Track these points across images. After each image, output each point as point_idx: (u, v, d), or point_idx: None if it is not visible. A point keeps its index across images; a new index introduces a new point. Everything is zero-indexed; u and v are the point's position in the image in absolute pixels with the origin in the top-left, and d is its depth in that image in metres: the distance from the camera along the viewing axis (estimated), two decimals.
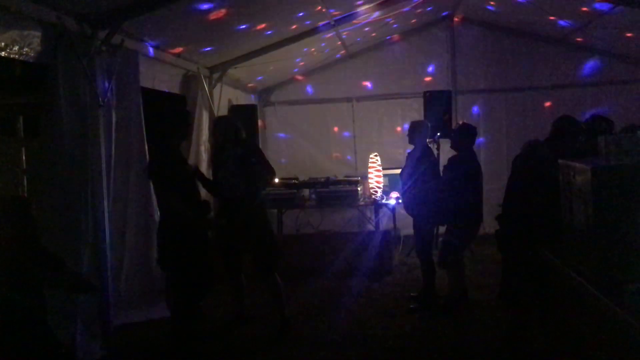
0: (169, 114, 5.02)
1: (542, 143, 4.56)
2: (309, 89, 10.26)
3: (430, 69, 9.96)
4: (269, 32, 7.18)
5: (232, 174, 5.35)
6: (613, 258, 2.95)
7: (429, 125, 6.46)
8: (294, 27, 7.43)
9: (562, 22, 8.03)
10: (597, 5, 7.00)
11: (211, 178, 5.68)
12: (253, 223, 5.38)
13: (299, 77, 10.23)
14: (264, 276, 5.47)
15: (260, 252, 5.44)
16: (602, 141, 3.52)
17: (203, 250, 4.88)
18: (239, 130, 5.49)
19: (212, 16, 5.82)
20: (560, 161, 3.73)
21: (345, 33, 8.50)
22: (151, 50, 6.06)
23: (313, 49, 8.78)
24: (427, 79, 9.81)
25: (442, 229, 6.52)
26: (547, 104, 9.49)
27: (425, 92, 8.63)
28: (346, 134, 10.17)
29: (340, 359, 4.98)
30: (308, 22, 7.43)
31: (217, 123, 5.79)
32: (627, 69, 9.38)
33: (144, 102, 5.77)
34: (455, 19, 9.77)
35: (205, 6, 5.51)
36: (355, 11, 7.58)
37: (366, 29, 8.81)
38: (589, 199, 3.06)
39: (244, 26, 6.60)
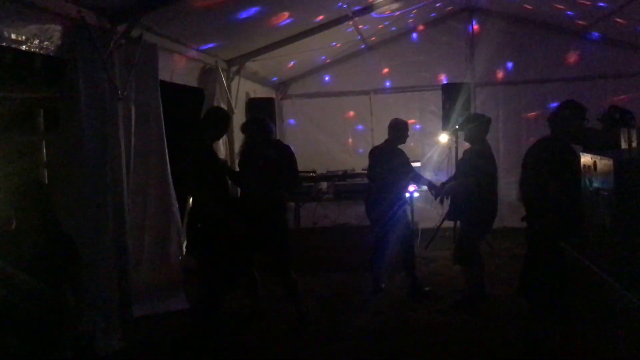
0: (214, 112, 5.42)
1: (557, 135, 4.50)
2: (327, 81, 10.25)
3: (449, 61, 9.88)
4: (288, 24, 7.16)
5: (260, 173, 5.38)
6: (637, 253, 2.91)
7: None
8: (312, 19, 7.41)
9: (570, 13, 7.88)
10: None
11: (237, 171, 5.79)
12: (271, 225, 5.39)
13: (317, 70, 10.21)
14: (280, 276, 5.49)
15: (276, 253, 5.45)
16: (625, 133, 3.47)
17: (236, 241, 4.99)
18: (271, 132, 5.55)
19: (231, 9, 5.83)
20: (581, 154, 3.68)
21: (363, 25, 8.46)
22: (170, 43, 6.07)
23: (331, 42, 8.75)
24: (446, 71, 9.73)
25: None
26: (568, 96, 9.36)
27: (443, 85, 8.57)
28: (364, 125, 10.17)
29: (358, 352, 4.98)
30: (327, 14, 7.40)
31: (251, 122, 5.79)
32: None
33: (162, 94, 5.80)
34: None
35: None
36: (374, 3, 7.54)
37: (385, 22, 8.77)
38: (611, 192, 3.02)
39: (262, 18, 6.59)
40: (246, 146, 5.69)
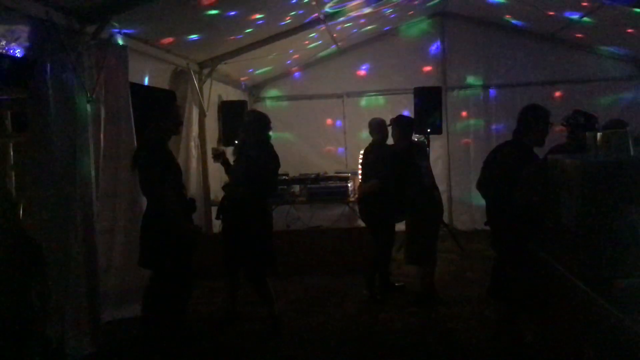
0: (161, 109, 4.94)
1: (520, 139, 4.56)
2: (300, 84, 10.26)
3: (420, 65, 9.97)
4: (260, 25, 7.14)
5: (239, 172, 5.35)
6: (602, 254, 2.97)
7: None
8: (284, 21, 7.40)
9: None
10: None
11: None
12: (245, 227, 5.30)
13: (289, 73, 10.22)
14: (251, 281, 5.45)
15: (248, 257, 5.37)
16: (591, 137, 3.53)
17: (187, 251, 4.80)
18: (263, 130, 5.41)
19: (203, 11, 5.80)
20: (549, 156, 3.75)
21: (336, 28, 8.49)
22: (140, 45, 6.02)
23: (305, 43, 8.76)
24: (418, 75, 9.81)
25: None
26: (538, 100, 9.48)
27: (416, 88, 8.63)
28: (337, 128, 10.22)
29: (330, 355, 4.98)
30: (299, 17, 7.41)
31: (249, 115, 5.75)
32: (619, 66, 9.45)
33: (133, 97, 5.74)
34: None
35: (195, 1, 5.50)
36: (346, 5, 7.56)
37: (358, 25, 8.80)
38: (578, 194, 3.07)
39: (234, 17, 6.55)
40: (241, 140, 5.60)
